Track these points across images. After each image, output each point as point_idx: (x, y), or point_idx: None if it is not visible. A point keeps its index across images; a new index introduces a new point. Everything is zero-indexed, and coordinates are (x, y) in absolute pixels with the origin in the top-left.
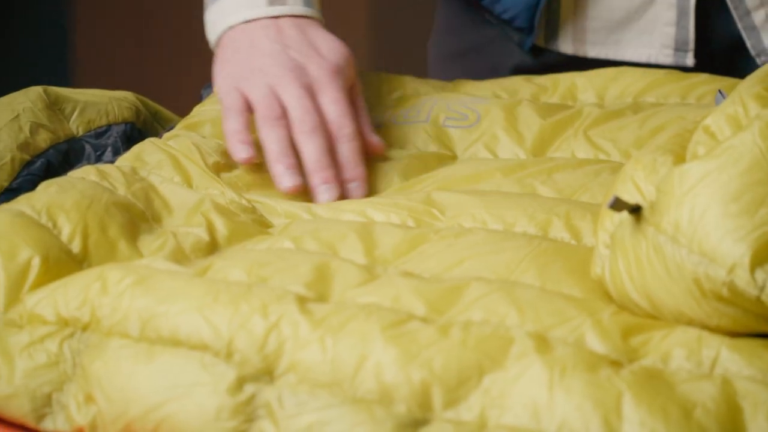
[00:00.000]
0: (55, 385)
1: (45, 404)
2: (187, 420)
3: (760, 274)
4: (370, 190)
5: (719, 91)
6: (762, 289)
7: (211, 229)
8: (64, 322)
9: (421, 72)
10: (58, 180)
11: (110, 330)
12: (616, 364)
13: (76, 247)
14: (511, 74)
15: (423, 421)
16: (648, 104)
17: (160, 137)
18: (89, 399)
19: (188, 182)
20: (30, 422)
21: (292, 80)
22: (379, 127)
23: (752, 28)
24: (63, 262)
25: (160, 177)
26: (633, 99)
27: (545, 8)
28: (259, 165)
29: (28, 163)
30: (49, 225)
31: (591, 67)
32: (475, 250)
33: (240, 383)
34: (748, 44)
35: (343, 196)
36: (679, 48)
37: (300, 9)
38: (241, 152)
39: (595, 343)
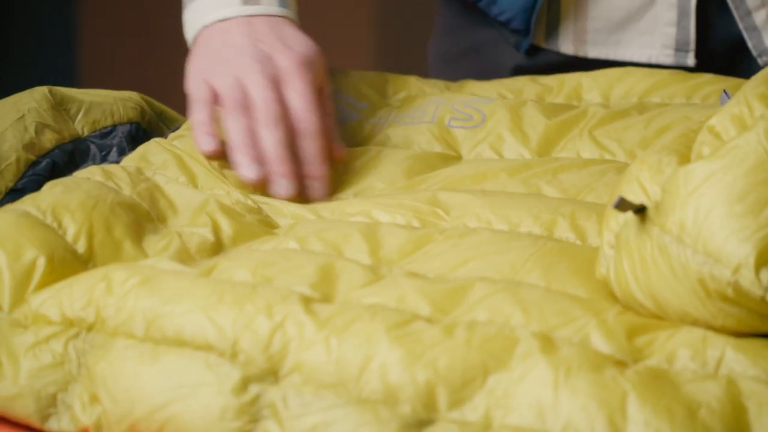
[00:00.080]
0: (60, 385)
1: (50, 404)
2: (191, 420)
3: (765, 274)
4: (373, 189)
5: (724, 91)
6: (767, 289)
7: (216, 230)
8: (69, 323)
9: (425, 72)
10: (64, 180)
11: (115, 330)
12: (621, 364)
13: (81, 247)
14: (511, 75)
15: (428, 422)
16: (653, 104)
17: (166, 137)
18: (94, 399)
19: (193, 182)
20: (35, 422)
21: (257, 71)
22: (344, 123)
23: (753, 29)
24: (68, 263)
25: (165, 177)
26: (638, 99)
27: (545, 8)
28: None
29: (34, 164)
30: (54, 225)
31: (591, 68)
32: (480, 251)
33: (245, 383)
34: (750, 44)
35: (301, 192)
36: (680, 48)
37: (274, 9)
38: (205, 144)
39: (600, 343)
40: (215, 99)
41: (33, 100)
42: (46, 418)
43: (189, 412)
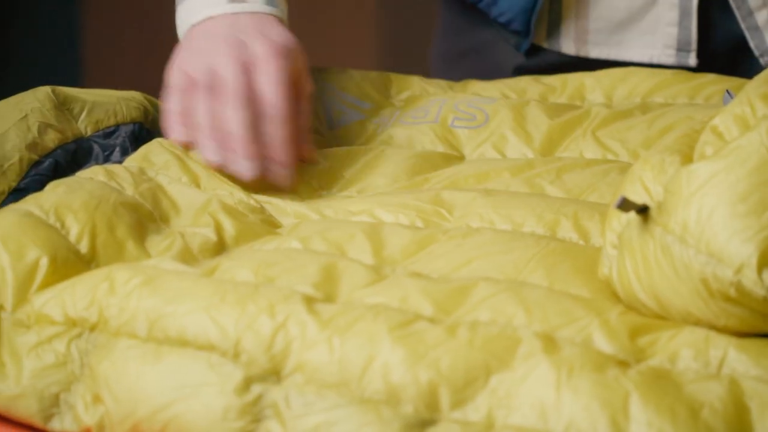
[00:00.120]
0: (63, 385)
1: (53, 404)
2: (194, 420)
3: (767, 274)
4: (375, 188)
5: (727, 91)
6: None
7: (218, 230)
8: (71, 323)
9: (428, 72)
10: (66, 180)
11: (118, 330)
12: (623, 364)
13: (84, 247)
14: (512, 75)
15: (430, 422)
16: (656, 104)
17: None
18: (97, 399)
19: (196, 183)
20: (38, 422)
21: (230, 55)
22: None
23: (755, 29)
24: (71, 263)
25: (168, 177)
26: (641, 99)
27: (547, 8)
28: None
29: (36, 163)
30: (57, 225)
31: (593, 68)
32: (483, 251)
33: (247, 383)
34: (752, 44)
35: (265, 177)
36: (682, 48)
37: (260, 6)
38: (172, 132)
39: (603, 343)
40: (192, 87)
41: (36, 99)
42: (48, 418)
43: (191, 412)
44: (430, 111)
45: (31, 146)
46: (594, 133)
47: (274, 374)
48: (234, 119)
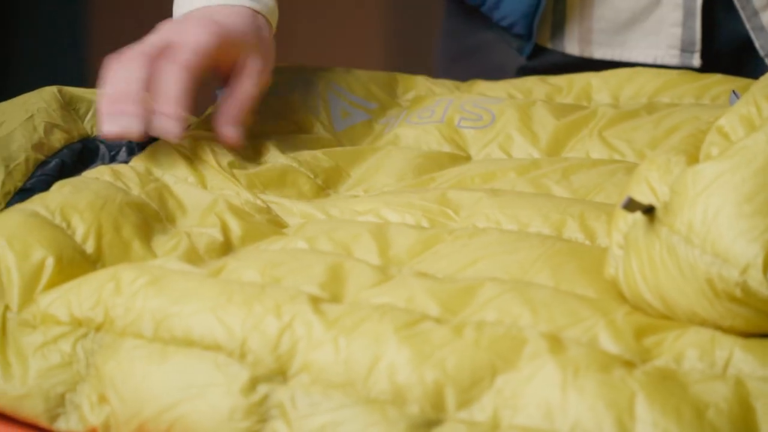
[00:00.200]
0: (69, 385)
1: (58, 404)
2: (200, 420)
3: None
4: (381, 187)
5: (733, 91)
6: None
7: (225, 230)
8: (77, 323)
9: (434, 72)
10: (72, 180)
11: (124, 330)
12: (629, 365)
13: (89, 247)
14: (516, 75)
15: (436, 422)
16: (663, 104)
17: None
18: (102, 399)
19: (202, 182)
20: (43, 422)
21: (162, 29)
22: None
23: (760, 29)
24: (77, 263)
25: (174, 177)
26: (648, 99)
27: (551, 9)
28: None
29: (43, 163)
30: (63, 225)
31: (596, 69)
32: (489, 251)
33: (253, 384)
34: (757, 45)
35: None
36: (686, 49)
37: (246, 1)
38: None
39: (609, 344)
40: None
41: (42, 99)
42: (54, 418)
43: (197, 412)
44: (437, 111)
45: (38, 146)
46: (600, 134)
47: (280, 374)
48: (129, 78)
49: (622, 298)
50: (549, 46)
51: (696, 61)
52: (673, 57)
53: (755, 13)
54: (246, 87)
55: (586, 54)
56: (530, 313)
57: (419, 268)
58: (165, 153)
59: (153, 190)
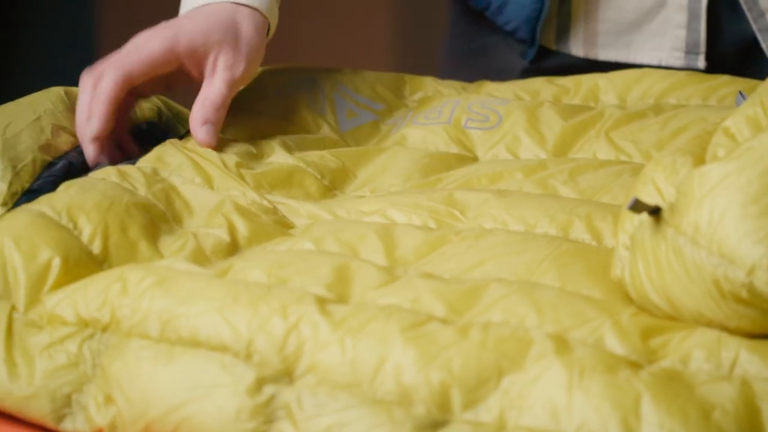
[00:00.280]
0: (75, 385)
1: (65, 405)
2: (206, 421)
3: None
4: (388, 188)
5: (740, 92)
6: None
7: (231, 230)
8: (84, 323)
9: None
10: (79, 181)
11: (130, 331)
12: (635, 366)
13: (96, 248)
14: (521, 77)
15: (442, 423)
16: (669, 106)
17: (182, 138)
18: (109, 400)
19: (209, 183)
20: (50, 423)
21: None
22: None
23: (767, 30)
24: (83, 263)
25: (181, 178)
26: (655, 100)
27: (556, 11)
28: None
29: (50, 165)
30: (70, 226)
31: (601, 70)
32: (496, 252)
33: (259, 384)
34: (763, 46)
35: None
36: (690, 51)
37: None
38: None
39: (615, 345)
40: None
41: (48, 101)
42: (60, 418)
43: (204, 412)
44: (444, 112)
45: (45, 147)
46: (607, 134)
47: (286, 375)
48: (81, 102)
49: (628, 299)
50: (554, 48)
51: (701, 62)
52: (677, 59)
53: (762, 15)
54: (215, 85)
55: (591, 56)
56: (536, 314)
57: (425, 269)
58: (172, 154)
59: (160, 190)
